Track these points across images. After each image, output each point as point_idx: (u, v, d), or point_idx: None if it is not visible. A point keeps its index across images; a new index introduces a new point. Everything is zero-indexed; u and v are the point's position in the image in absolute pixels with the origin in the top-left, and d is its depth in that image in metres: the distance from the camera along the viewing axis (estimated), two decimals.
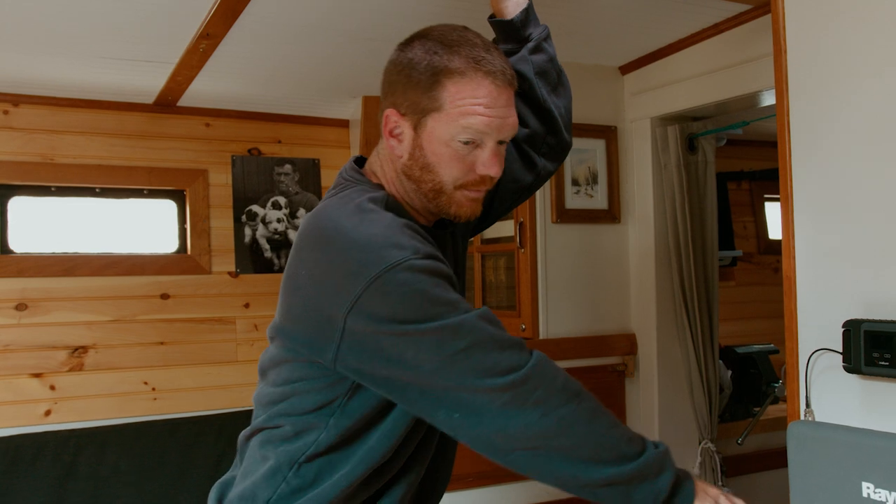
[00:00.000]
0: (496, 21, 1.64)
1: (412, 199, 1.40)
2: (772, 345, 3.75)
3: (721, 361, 3.30)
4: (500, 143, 1.35)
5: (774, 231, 4.64)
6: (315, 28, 2.54)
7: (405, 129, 1.35)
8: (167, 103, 3.36)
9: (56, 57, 2.74)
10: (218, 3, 2.22)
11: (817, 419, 1.78)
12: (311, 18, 2.45)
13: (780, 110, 1.87)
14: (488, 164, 1.33)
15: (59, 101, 3.26)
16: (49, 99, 3.24)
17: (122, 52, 2.70)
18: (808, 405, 1.80)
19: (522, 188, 1.69)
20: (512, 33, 1.63)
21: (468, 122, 1.30)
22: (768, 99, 2.72)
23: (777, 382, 3.42)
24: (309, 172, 3.71)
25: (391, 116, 1.36)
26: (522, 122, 1.62)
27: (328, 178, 3.73)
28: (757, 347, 3.73)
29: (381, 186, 1.40)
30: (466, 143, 1.31)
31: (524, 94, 1.62)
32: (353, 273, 1.19)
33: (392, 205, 1.35)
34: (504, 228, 3.19)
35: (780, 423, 3.15)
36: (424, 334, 1.18)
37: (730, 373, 3.50)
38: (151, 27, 2.45)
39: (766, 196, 4.69)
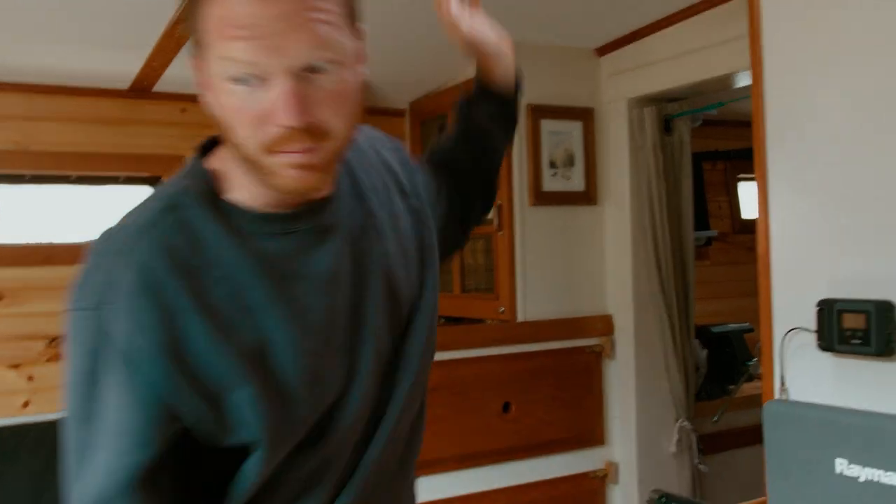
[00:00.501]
0: (494, 92, 1.36)
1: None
2: (747, 323, 3.79)
3: (697, 340, 3.34)
4: (314, 71, 0.91)
5: (748, 211, 4.68)
6: None
7: (203, 78, 0.97)
8: (142, 89, 3.33)
9: (28, 42, 2.72)
10: None
11: (792, 397, 1.81)
12: None
13: (755, 91, 1.90)
14: (279, 107, 0.89)
15: (33, 88, 3.22)
16: (22, 86, 3.20)
17: (96, 36, 2.67)
18: (782, 383, 1.84)
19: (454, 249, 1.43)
20: (510, 115, 1.41)
21: (226, 53, 0.90)
22: (744, 80, 2.74)
23: (752, 360, 3.47)
24: None
25: (193, 65, 0.99)
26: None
27: None
28: (732, 326, 3.77)
29: (209, 173, 1.02)
30: (239, 81, 0.90)
31: (492, 164, 1.43)
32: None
33: (187, 203, 0.98)
34: None
35: (755, 401, 3.18)
36: (66, 407, 0.96)
37: (705, 352, 3.55)
38: (127, 11, 2.44)
39: (741, 176, 4.74)
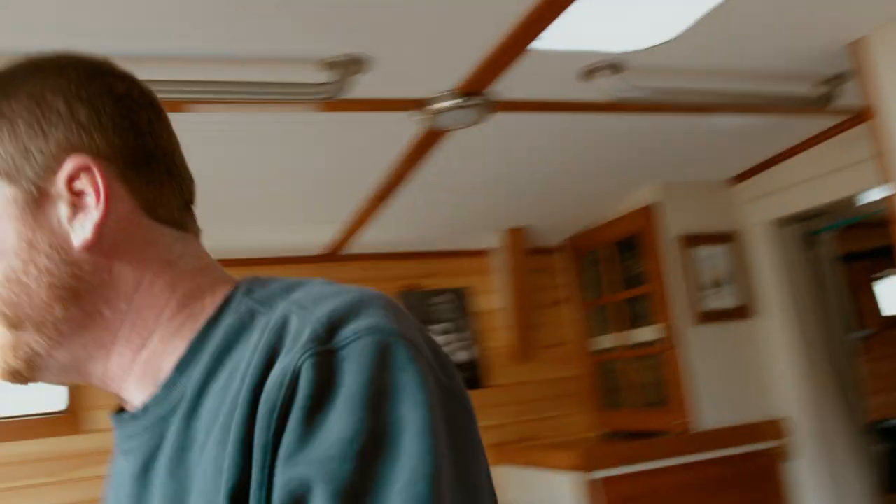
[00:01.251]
0: None
1: None
2: None
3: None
4: None
5: (888, 308, 4.79)
6: (474, 182, 2.98)
7: None
8: (331, 254, 3.74)
9: (244, 228, 3.24)
10: (393, 172, 2.69)
11: None
12: (473, 174, 2.90)
13: (892, 207, 2.14)
14: None
15: (245, 262, 3.55)
16: (235, 260, 3.60)
17: (300, 216, 3.18)
18: None
19: None
20: None
21: None
22: (873, 195, 2.99)
23: None
24: (460, 300, 3.98)
25: None
26: None
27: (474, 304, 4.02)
28: None
29: None
30: None
31: None
32: None
33: None
34: (643, 334, 3.50)
35: None
36: None
37: (885, 446, 3.64)
38: (330, 193, 2.94)
39: (873, 276, 4.84)
